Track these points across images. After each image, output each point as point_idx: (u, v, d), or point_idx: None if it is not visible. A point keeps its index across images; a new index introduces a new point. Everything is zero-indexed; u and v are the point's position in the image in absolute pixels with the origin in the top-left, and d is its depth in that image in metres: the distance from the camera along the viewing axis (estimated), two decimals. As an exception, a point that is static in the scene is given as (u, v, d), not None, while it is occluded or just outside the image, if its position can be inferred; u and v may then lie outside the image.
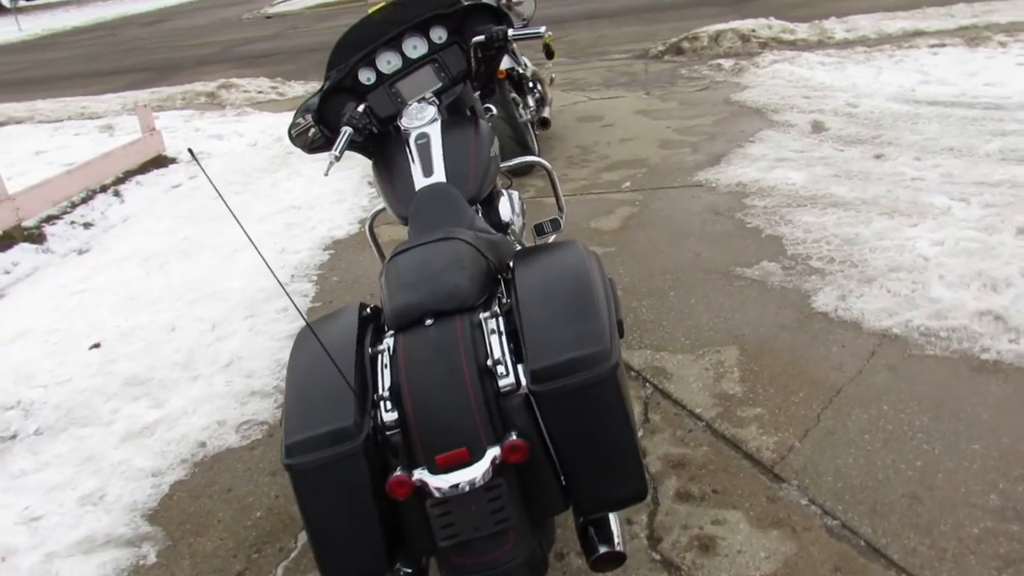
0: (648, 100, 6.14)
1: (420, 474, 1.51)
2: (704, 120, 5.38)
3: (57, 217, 5.02)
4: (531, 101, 4.87)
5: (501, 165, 2.86)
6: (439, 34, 2.57)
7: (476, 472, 1.49)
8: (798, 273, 3.13)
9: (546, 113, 5.08)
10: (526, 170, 4.70)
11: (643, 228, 3.80)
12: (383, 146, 2.54)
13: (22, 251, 4.61)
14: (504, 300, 1.79)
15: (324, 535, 1.56)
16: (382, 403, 1.61)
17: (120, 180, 5.63)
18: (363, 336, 1.78)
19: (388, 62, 2.56)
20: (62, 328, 3.61)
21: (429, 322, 1.67)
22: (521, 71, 4.74)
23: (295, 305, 1.45)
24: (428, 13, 2.56)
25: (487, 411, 1.56)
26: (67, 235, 4.89)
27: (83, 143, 6.93)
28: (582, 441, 1.54)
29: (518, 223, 2.52)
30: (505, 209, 2.50)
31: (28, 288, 4.23)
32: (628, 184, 4.42)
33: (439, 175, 2.30)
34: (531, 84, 5.00)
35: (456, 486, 1.49)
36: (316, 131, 2.58)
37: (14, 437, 2.80)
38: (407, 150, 2.40)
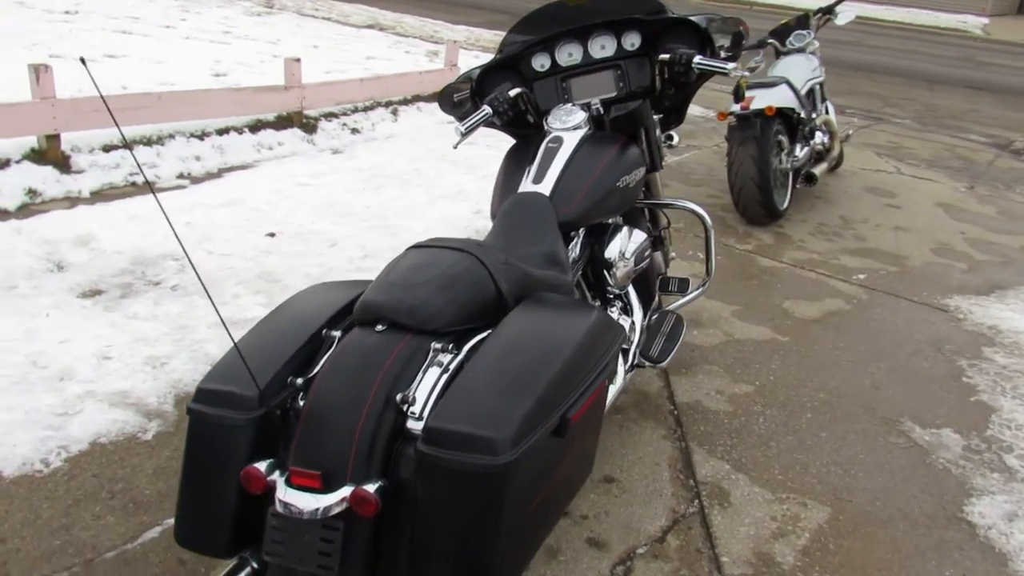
0: (963, 195, 5.15)
1: (277, 477, 1.38)
2: (1012, 240, 4.38)
3: (335, 116, 5.51)
4: (800, 150, 4.30)
5: (654, 202, 2.55)
6: (632, 40, 2.32)
7: (319, 503, 1.33)
8: (979, 462, 2.41)
9: (817, 169, 4.47)
10: (761, 220, 4.21)
11: (838, 331, 3.19)
12: (528, 137, 2.39)
13: (291, 135, 5.14)
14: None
15: (188, 493, 1.50)
16: (301, 391, 1.51)
17: (406, 101, 6.02)
18: (341, 316, 1.68)
19: (569, 54, 2.38)
20: (264, 210, 3.95)
21: (380, 328, 1.52)
22: (800, 115, 4.18)
23: (210, 301, 1.36)
24: (627, 15, 2.31)
25: (370, 446, 1.38)
26: (334, 133, 5.35)
27: (406, 61, 7.52)
28: (441, 524, 1.31)
29: (622, 267, 2.21)
30: (614, 247, 2.21)
31: (274, 167, 4.70)
32: (862, 277, 3.74)
33: (546, 187, 2.10)
34: (810, 131, 4.41)
35: (295, 508, 1.34)
36: (469, 101, 2.50)
37: (157, 284, 3.12)
38: (537, 149, 2.23)
